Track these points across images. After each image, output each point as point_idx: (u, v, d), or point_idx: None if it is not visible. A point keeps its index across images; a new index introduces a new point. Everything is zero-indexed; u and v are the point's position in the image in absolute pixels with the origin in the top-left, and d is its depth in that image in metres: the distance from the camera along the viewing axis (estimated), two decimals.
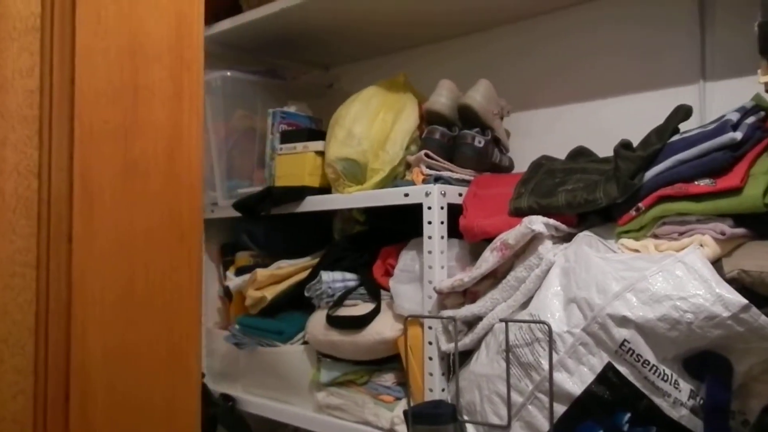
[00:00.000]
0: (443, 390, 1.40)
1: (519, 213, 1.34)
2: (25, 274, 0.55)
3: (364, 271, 1.66)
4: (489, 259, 1.29)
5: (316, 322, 1.64)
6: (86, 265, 0.57)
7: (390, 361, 1.56)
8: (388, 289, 1.56)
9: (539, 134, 1.75)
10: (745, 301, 0.94)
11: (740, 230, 1.08)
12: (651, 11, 1.56)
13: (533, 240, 1.26)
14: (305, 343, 1.71)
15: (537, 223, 1.23)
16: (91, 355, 0.57)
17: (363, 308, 1.57)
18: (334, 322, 1.57)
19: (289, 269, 1.78)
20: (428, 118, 1.63)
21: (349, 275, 1.66)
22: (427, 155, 1.50)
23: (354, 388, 1.59)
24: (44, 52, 0.56)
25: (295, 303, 1.75)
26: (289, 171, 1.76)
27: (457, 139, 1.56)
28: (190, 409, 0.65)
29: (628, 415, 1.04)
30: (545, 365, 1.11)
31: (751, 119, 1.16)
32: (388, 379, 1.55)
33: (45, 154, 0.56)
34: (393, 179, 1.61)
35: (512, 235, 1.25)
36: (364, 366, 1.59)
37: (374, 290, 1.59)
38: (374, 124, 1.61)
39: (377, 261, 1.64)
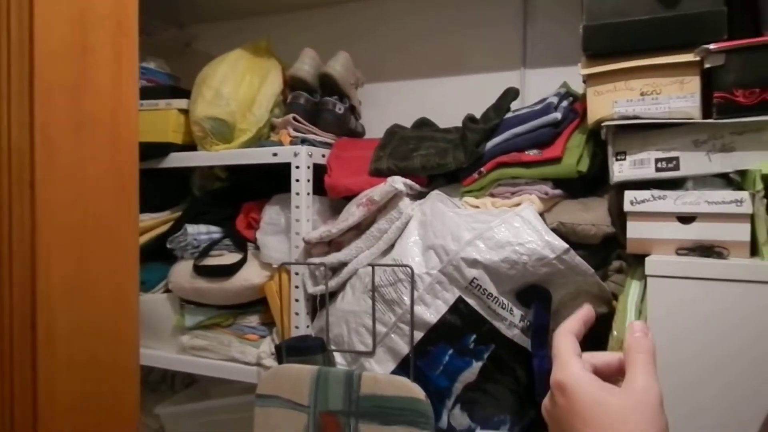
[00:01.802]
0: (308, 327, 1.50)
1: (379, 174, 1.47)
2: None
3: (228, 224, 1.69)
4: (355, 213, 1.41)
5: (180, 271, 1.64)
6: (47, 209, 0.58)
7: (254, 305, 1.63)
8: (252, 241, 1.62)
9: (385, 105, 1.87)
10: (566, 245, 1.16)
11: (558, 191, 1.31)
12: (481, 3, 1.74)
13: (393, 197, 1.39)
14: (167, 291, 1.71)
15: (398, 182, 1.37)
16: (54, 288, 0.59)
17: (229, 258, 1.61)
18: (203, 271, 1.59)
19: (150, 222, 1.75)
20: (292, 84, 1.68)
21: (213, 228, 1.69)
22: (294, 119, 1.57)
23: (219, 330, 1.64)
24: (1, 14, 0.56)
25: (155, 255, 1.73)
26: (151, 127, 1.71)
27: (319, 105, 1.64)
28: (133, 334, 0.69)
29: (474, 336, 1.23)
30: (407, 300, 1.26)
31: (565, 102, 1.38)
32: (253, 320, 1.62)
33: (4, 109, 0.56)
34: (258, 139, 1.65)
35: (377, 192, 1.37)
36: (229, 310, 1.64)
37: (240, 241, 1.64)
38: (242, 86, 1.63)
39: (240, 215, 1.68)
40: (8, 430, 0.57)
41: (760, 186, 1.05)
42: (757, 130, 1.09)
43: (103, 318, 0.66)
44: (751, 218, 1.06)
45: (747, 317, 0.98)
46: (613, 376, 0.51)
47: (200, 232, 1.67)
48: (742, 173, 1.11)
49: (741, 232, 1.06)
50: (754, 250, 1.06)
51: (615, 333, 1.13)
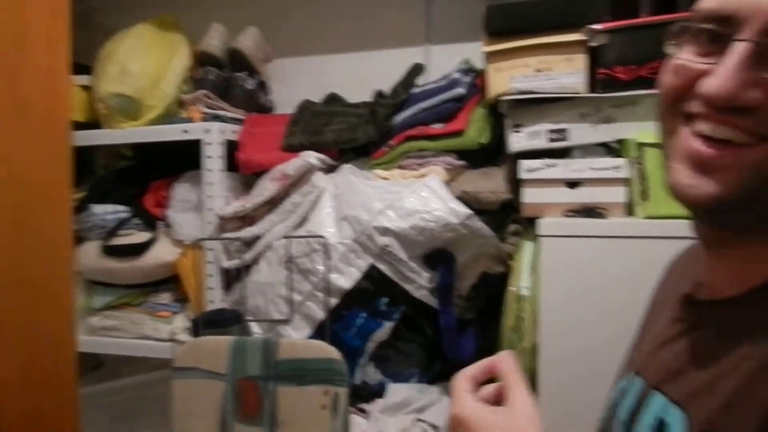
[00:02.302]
0: (222, 301, 1.53)
1: (291, 149, 1.52)
2: None
3: (135, 203, 1.68)
4: (269, 187, 1.45)
5: (88, 252, 1.62)
6: None
7: (164, 282, 1.64)
8: (161, 219, 1.63)
9: (293, 80, 1.89)
10: (469, 211, 1.26)
11: (462, 162, 1.41)
12: None
13: (306, 171, 1.45)
14: None
15: (312, 157, 1.43)
16: None
17: (139, 237, 1.61)
18: (112, 251, 1.58)
19: None
20: (201, 59, 1.69)
21: (120, 207, 1.67)
22: (205, 95, 1.58)
23: (129, 309, 1.64)
24: None
25: None
26: None
27: (229, 81, 1.67)
28: (68, 301, 0.73)
29: (386, 299, 1.32)
30: (322, 269, 1.33)
31: (467, 78, 1.48)
32: (165, 297, 1.64)
33: None
34: (166, 116, 1.65)
35: (291, 167, 1.42)
36: (139, 289, 1.64)
37: (149, 220, 1.64)
38: (149, 62, 1.62)
39: (148, 194, 1.68)
40: None
41: (635, 153, 1.19)
42: (633, 103, 1.24)
43: (42, 283, 0.68)
44: (628, 182, 1.20)
45: (624, 267, 1.12)
46: (498, 399, 0.61)
47: (107, 211, 1.65)
48: (621, 142, 1.25)
49: (618, 194, 1.20)
50: (630, 210, 1.20)
51: (511, 288, 1.26)
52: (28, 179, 0.67)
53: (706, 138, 0.49)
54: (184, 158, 1.63)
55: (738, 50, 0.47)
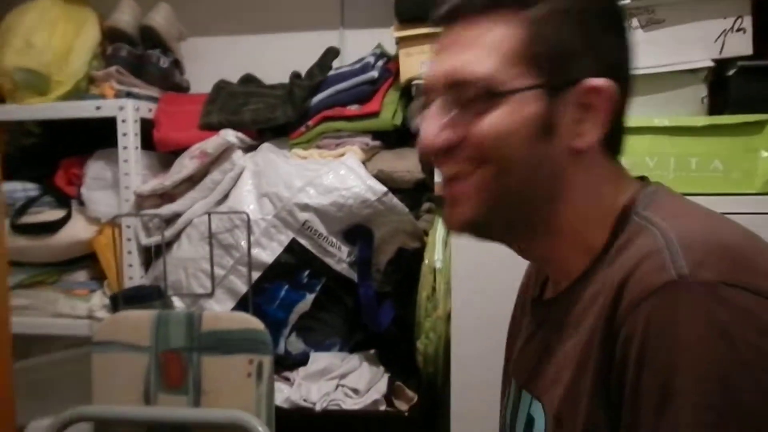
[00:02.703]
0: (141, 278, 1.55)
1: (209, 127, 1.54)
2: None
3: (45, 181, 1.66)
4: (188, 165, 1.48)
5: None
6: None
7: (79, 260, 1.63)
8: (74, 197, 1.61)
9: (208, 60, 1.90)
10: (385, 188, 1.35)
11: (377, 142, 1.49)
12: None
13: (226, 150, 1.48)
14: None
15: (231, 135, 1.47)
16: None
17: (51, 215, 1.59)
18: (22, 229, 1.56)
19: None
20: (111, 35, 1.67)
21: (29, 185, 1.64)
22: (118, 71, 1.57)
23: (43, 288, 1.62)
24: None
25: None
26: None
27: (142, 58, 1.66)
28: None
29: (307, 272, 1.39)
30: (244, 245, 1.38)
31: (380, 62, 1.56)
32: (81, 276, 1.63)
33: None
34: (76, 92, 1.62)
35: (211, 145, 1.46)
36: (53, 267, 1.63)
37: (62, 198, 1.62)
38: (55, 36, 1.59)
39: (59, 171, 1.66)
40: None
41: None
42: None
43: None
44: None
45: None
46: None
47: (15, 189, 1.62)
48: None
49: None
50: None
51: (426, 261, 1.36)
52: None
53: (445, 180, 0.62)
54: (93, 136, 1.62)
55: (431, 110, 0.60)
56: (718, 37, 1.12)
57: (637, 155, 1.12)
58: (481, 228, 0.62)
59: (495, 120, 0.56)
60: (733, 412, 0.45)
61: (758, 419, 0.45)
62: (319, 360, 1.42)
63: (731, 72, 1.14)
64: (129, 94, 1.57)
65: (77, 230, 1.57)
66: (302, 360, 1.43)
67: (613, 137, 0.60)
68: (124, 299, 1.42)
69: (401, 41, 1.41)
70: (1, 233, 0.77)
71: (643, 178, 0.65)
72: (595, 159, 0.59)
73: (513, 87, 0.56)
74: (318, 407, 1.32)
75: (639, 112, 1.15)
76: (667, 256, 0.50)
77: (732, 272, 0.48)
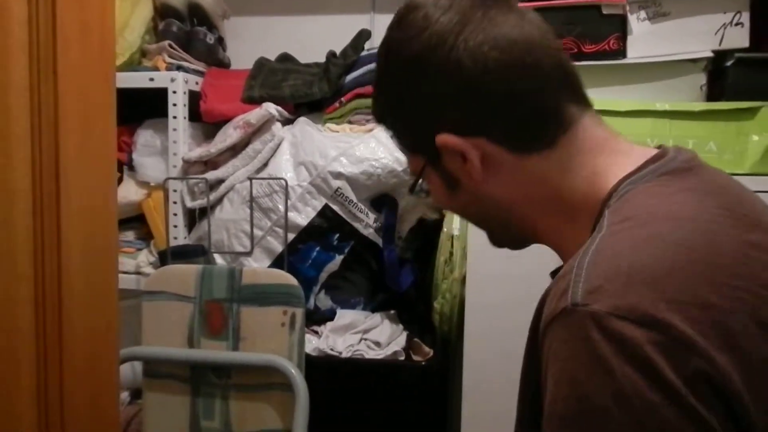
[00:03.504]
0: (185, 238, 1.71)
1: (251, 101, 1.69)
2: (24, 95, 0.76)
3: None
4: (233, 134, 1.63)
5: None
6: (65, 92, 0.78)
7: (128, 221, 1.79)
8: (125, 163, 1.77)
9: (247, 39, 2.05)
10: None
11: None
12: None
13: (266, 122, 1.63)
14: None
15: (272, 107, 1.61)
16: (69, 150, 0.80)
17: None
18: None
19: None
20: (162, 11, 1.82)
21: None
22: (170, 46, 1.72)
23: None
24: None
25: None
26: None
27: (191, 34, 1.80)
28: (110, 185, 0.92)
29: (337, 235, 1.54)
30: (281, 208, 1.53)
31: None
32: (129, 235, 1.79)
33: (33, 13, 0.75)
34: (130, 64, 1.78)
35: (254, 116, 1.60)
36: None
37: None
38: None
39: None
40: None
41: None
42: None
43: (99, 181, 0.88)
44: None
45: None
46: None
47: None
48: None
49: None
50: None
51: (445, 230, 1.50)
52: (90, 88, 0.86)
53: None
54: (138, 106, 1.77)
55: None
56: (718, 30, 1.24)
57: (640, 136, 1.24)
58: (503, 245, 0.72)
59: (431, 190, 0.70)
60: None
61: None
62: (344, 316, 1.57)
63: (729, 63, 1.26)
64: (179, 68, 1.72)
65: (128, 193, 1.73)
66: (330, 316, 1.58)
67: (529, 139, 0.61)
68: (172, 255, 1.58)
69: None
70: (113, 154, 0.94)
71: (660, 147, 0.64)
72: (522, 174, 0.62)
73: (416, 171, 0.67)
74: (344, 355, 1.47)
75: (642, 96, 1.29)
76: (571, 279, 0.50)
77: (625, 303, 0.46)
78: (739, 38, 1.24)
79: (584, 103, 0.63)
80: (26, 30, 0.73)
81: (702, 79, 1.28)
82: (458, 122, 0.62)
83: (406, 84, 0.64)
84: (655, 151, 0.62)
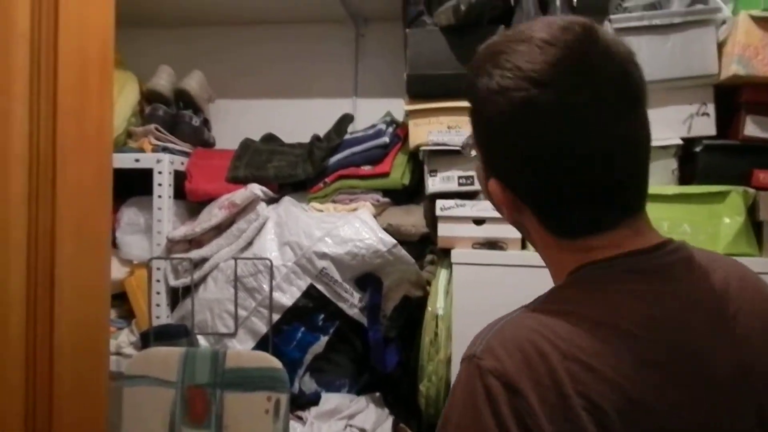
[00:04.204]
0: (168, 317, 1.68)
1: (236, 181, 1.71)
2: (22, 207, 0.76)
3: None
4: (218, 214, 1.63)
5: None
6: (64, 201, 0.79)
7: (110, 299, 1.76)
8: None
9: (233, 120, 2.08)
10: (395, 240, 1.51)
11: (387, 199, 1.66)
12: (321, 41, 2.05)
13: (251, 201, 1.64)
14: None
15: (257, 188, 1.63)
16: (65, 259, 0.80)
17: None
18: None
19: None
20: (149, 96, 1.85)
21: None
22: (156, 128, 1.74)
23: None
24: (33, 60, 0.77)
25: None
26: None
27: (177, 117, 1.83)
28: (105, 291, 0.92)
29: (323, 315, 1.53)
30: (266, 288, 1.52)
31: (391, 128, 1.74)
32: (111, 314, 1.75)
33: (35, 128, 0.77)
34: (115, 146, 1.78)
35: (238, 197, 1.61)
36: None
37: None
38: None
39: None
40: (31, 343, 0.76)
41: None
42: None
43: (93, 284, 0.87)
44: None
45: (520, 290, 1.39)
46: None
47: None
48: None
49: (515, 231, 1.49)
50: (524, 244, 1.49)
51: (429, 309, 1.50)
52: (86, 193, 0.88)
53: None
54: (124, 184, 1.77)
55: None
56: (686, 120, 1.30)
57: None
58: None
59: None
60: None
61: None
62: (329, 400, 1.54)
63: (698, 149, 1.32)
64: (165, 149, 1.74)
65: (111, 270, 1.71)
66: (314, 399, 1.55)
67: (550, 222, 0.69)
68: (154, 335, 1.55)
69: (411, 113, 1.59)
70: (107, 239, 0.93)
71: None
72: (541, 236, 0.71)
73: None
74: None
75: None
76: (481, 335, 0.65)
77: (501, 367, 0.60)
78: (706, 126, 1.31)
79: None
80: (27, 144, 0.75)
81: (673, 164, 1.33)
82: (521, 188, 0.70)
83: None
84: (655, 242, 0.67)
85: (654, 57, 1.27)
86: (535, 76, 0.63)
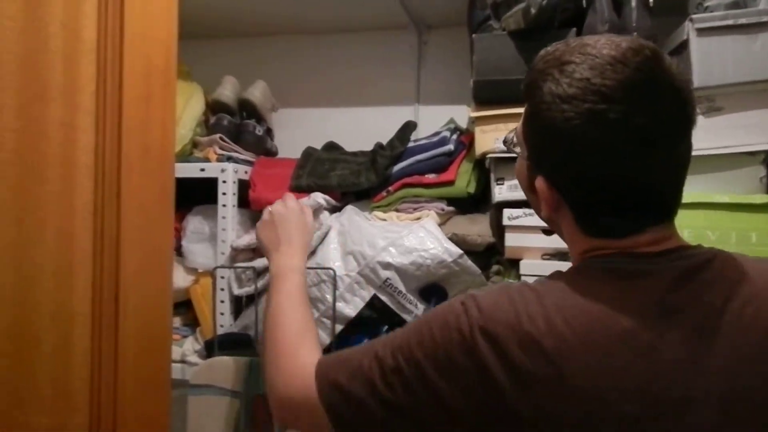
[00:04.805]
0: (231, 326, 1.68)
1: (299, 190, 1.69)
2: (88, 219, 0.75)
3: None
4: None
5: None
6: (128, 213, 0.78)
7: (174, 307, 1.77)
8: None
9: (295, 128, 2.09)
10: (461, 251, 1.46)
11: (451, 208, 1.61)
12: (383, 48, 2.03)
13: (314, 210, 1.62)
14: None
15: (320, 197, 1.61)
16: (131, 270, 0.79)
17: None
18: None
19: None
20: (213, 107, 1.87)
21: None
22: (221, 138, 1.75)
23: None
24: (99, 70, 0.76)
25: None
26: None
27: (240, 127, 1.84)
28: (167, 305, 0.90)
29: (386, 327, 1.49)
30: (329, 298, 1.50)
31: (455, 136, 1.70)
32: (176, 321, 1.77)
33: (101, 141, 0.76)
34: (181, 155, 1.80)
35: None
36: None
37: None
38: None
39: None
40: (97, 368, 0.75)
41: None
42: None
43: (153, 286, 0.86)
44: None
45: None
46: None
47: None
48: None
49: None
50: None
51: None
52: (149, 207, 0.87)
53: None
54: (188, 193, 1.78)
55: None
56: None
57: (697, 229, 1.20)
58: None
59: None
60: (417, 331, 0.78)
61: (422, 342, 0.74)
62: None
63: None
64: (229, 158, 1.74)
65: (176, 278, 1.71)
66: None
67: (585, 223, 0.78)
68: (219, 344, 1.55)
69: (477, 120, 1.54)
70: (171, 258, 0.92)
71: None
72: (571, 233, 0.81)
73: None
74: None
75: (699, 188, 1.25)
76: (484, 289, 0.78)
77: (480, 307, 0.72)
78: None
79: None
80: (92, 158, 0.74)
81: (761, 171, 1.24)
82: (569, 188, 0.80)
83: None
84: (665, 247, 0.74)
85: (741, 58, 1.19)
86: (605, 91, 0.67)
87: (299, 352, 0.94)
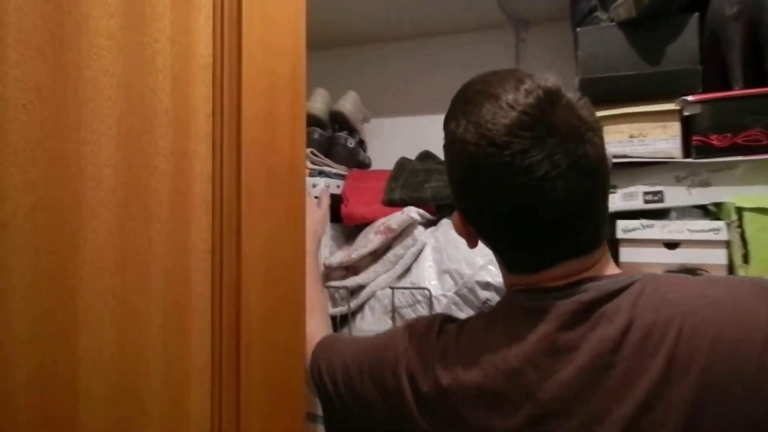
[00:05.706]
0: None
1: (392, 203, 1.60)
2: (205, 258, 0.68)
3: None
4: (374, 240, 1.53)
5: None
6: (250, 250, 0.70)
7: None
8: None
9: (387, 138, 2.01)
10: None
11: None
12: (478, 49, 1.90)
13: (408, 226, 1.52)
14: None
15: (414, 212, 1.51)
16: (253, 315, 0.71)
17: None
18: None
19: None
20: (306, 120, 1.81)
21: None
22: (312, 152, 1.69)
23: None
24: (216, 88, 0.69)
25: None
26: None
27: (332, 139, 1.77)
28: (301, 346, 0.82)
29: None
30: None
31: None
32: None
33: (218, 165, 0.68)
34: None
35: (395, 221, 1.50)
36: None
37: None
38: None
39: None
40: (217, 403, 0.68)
41: (734, 216, 1.21)
42: (730, 168, 1.27)
43: (285, 337, 0.78)
44: (728, 244, 1.22)
45: None
46: None
47: None
48: (718, 205, 1.28)
49: (719, 256, 1.23)
50: (731, 272, 1.22)
51: None
52: (275, 239, 0.77)
53: None
54: None
55: None
56: None
57: None
58: None
59: None
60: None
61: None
62: None
63: None
64: (321, 173, 1.68)
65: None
66: None
67: (500, 256, 0.84)
68: None
69: None
70: (302, 295, 0.83)
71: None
72: (497, 261, 0.86)
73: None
74: None
75: None
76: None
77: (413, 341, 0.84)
78: None
79: None
80: (209, 187, 0.66)
81: None
82: (480, 221, 0.86)
83: None
84: (569, 281, 0.74)
85: None
86: (491, 136, 0.70)
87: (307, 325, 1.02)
